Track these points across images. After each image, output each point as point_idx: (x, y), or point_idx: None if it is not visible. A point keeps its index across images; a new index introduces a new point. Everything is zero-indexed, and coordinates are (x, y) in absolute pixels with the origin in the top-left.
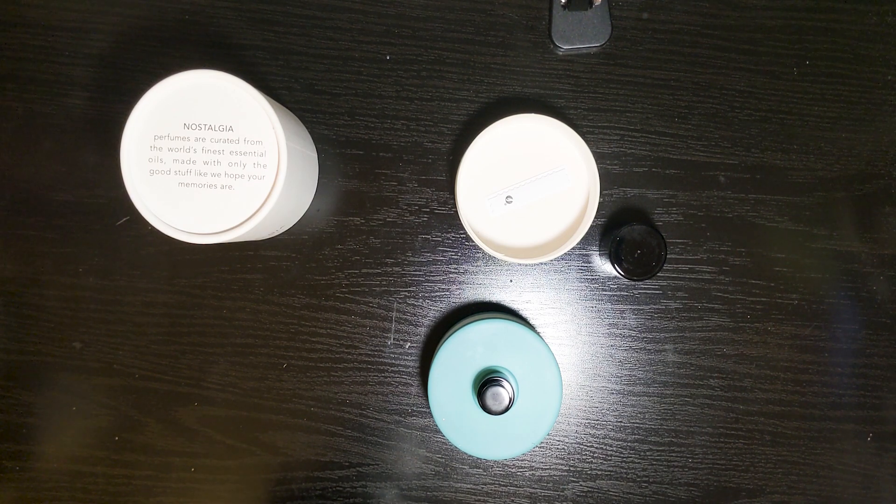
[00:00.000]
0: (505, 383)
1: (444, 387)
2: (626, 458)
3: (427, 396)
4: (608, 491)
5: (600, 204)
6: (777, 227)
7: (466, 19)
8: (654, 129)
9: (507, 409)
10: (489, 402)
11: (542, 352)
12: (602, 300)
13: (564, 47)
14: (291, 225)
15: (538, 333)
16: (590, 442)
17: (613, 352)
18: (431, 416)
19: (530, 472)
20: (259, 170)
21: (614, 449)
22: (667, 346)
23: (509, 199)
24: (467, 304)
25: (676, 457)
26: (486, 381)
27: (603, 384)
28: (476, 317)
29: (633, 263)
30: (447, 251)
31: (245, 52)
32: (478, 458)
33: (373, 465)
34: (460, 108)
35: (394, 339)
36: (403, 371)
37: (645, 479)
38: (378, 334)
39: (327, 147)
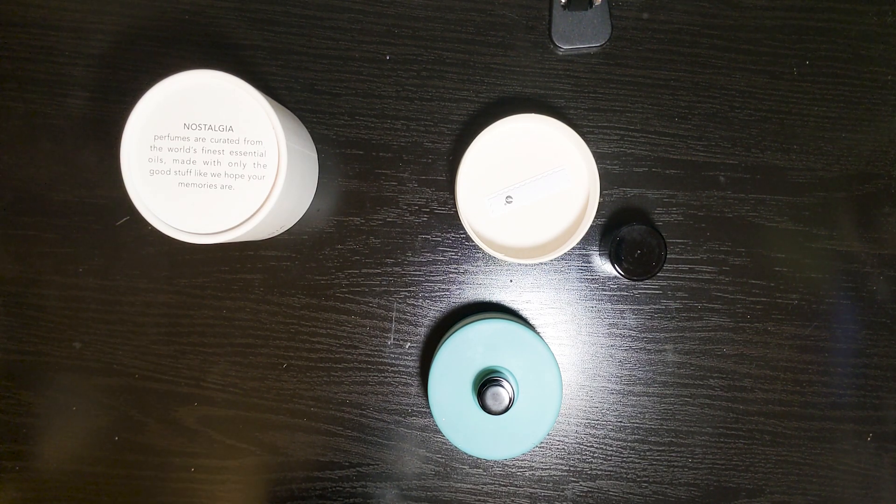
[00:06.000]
0: (505, 383)
1: (444, 387)
2: (626, 458)
3: (427, 396)
4: (608, 491)
5: (600, 204)
6: (777, 227)
7: (466, 19)
8: (654, 129)
9: (507, 409)
10: (489, 402)
11: (542, 352)
12: (602, 300)
13: (564, 47)
14: (291, 225)
15: (538, 333)
16: (590, 442)
17: (613, 352)
18: (431, 416)
19: (530, 472)
20: (259, 170)
21: (614, 449)
22: (667, 346)
23: (509, 199)
24: (467, 304)
25: (676, 457)
26: (485, 381)
27: (603, 384)
28: (476, 317)
29: (633, 263)
30: (447, 251)
31: (245, 52)
32: (478, 458)
33: (373, 465)
34: (460, 108)
35: (394, 339)
36: (403, 371)
37: (645, 479)
38: (378, 334)
39: (327, 147)
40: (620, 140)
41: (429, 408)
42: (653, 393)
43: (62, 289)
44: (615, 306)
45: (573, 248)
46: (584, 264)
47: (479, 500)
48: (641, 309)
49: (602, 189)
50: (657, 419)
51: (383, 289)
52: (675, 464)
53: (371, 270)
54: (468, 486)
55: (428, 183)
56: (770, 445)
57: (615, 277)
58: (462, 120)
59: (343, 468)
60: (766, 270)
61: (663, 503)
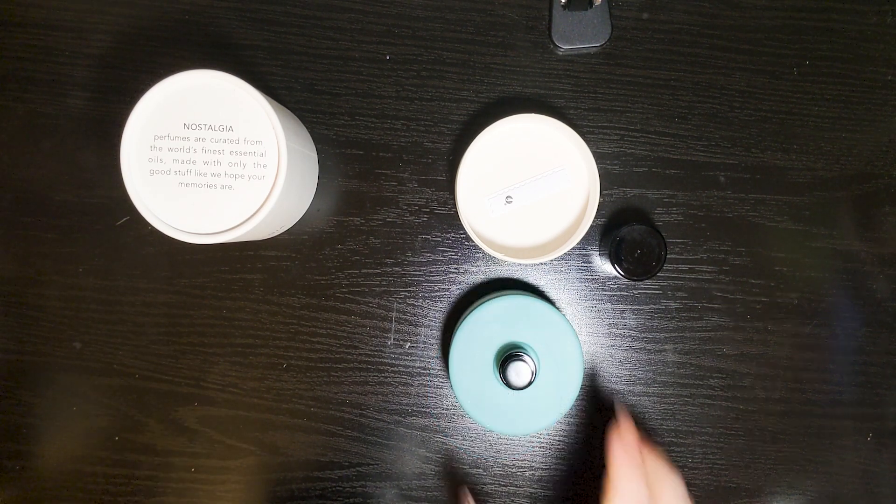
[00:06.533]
0: (526, 357)
1: (465, 367)
2: None
3: (448, 378)
4: None
5: (600, 204)
6: (777, 226)
7: (466, 19)
8: (654, 129)
9: (529, 383)
10: (512, 377)
11: (560, 323)
12: (602, 300)
13: (564, 47)
14: (291, 225)
15: (555, 306)
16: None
17: (613, 352)
18: (432, 416)
19: (530, 472)
20: (259, 170)
21: None
22: (667, 346)
23: (509, 199)
24: (485, 281)
25: (676, 457)
26: (507, 357)
27: (603, 384)
28: (491, 295)
29: (633, 263)
30: (447, 251)
31: (245, 52)
32: (500, 436)
33: (373, 465)
34: (460, 108)
35: (394, 339)
36: (403, 371)
37: None
38: (378, 334)
39: (327, 147)
40: (620, 140)
41: (431, 406)
42: (653, 393)
43: (62, 289)
44: (615, 306)
45: (573, 248)
46: (584, 264)
47: (479, 500)
48: (641, 309)
49: (602, 189)
50: (657, 419)
51: (383, 289)
52: (675, 464)
53: (371, 270)
54: (468, 487)
55: (428, 183)
56: (770, 443)
57: (615, 277)
58: (462, 120)
59: (343, 468)
60: (766, 270)
61: None
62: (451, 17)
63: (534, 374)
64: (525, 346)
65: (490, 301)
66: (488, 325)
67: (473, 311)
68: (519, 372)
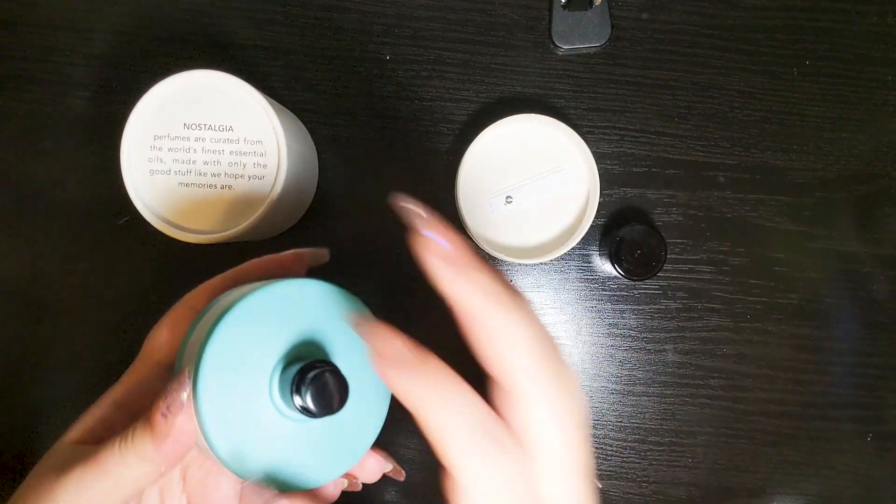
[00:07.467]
0: (333, 369)
1: (222, 390)
2: (626, 458)
3: (195, 395)
4: (608, 491)
5: (600, 204)
6: (777, 227)
7: (466, 19)
8: (654, 129)
9: (341, 404)
10: (315, 399)
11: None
12: (602, 300)
13: (564, 47)
14: (291, 225)
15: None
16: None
17: (613, 352)
18: None
19: None
20: (259, 170)
21: (614, 449)
22: (667, 346)
23: (509, 199)
24: None
25: (676, 457)
26: (304, 370)
27: (603, 384)
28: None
29: (633, 263)
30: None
31: (245, 52)
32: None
33: None
34: (460, 108)
35: None
36: None
37: (645, 479)
38: None
39: (327, 147)
40: (620, 140)
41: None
42: (653, 393)
43: (62, 289)
44: (615, 306)
45: (573, 248)
46: (584, 264)
47: None
48: (641, 309)
49: (602, 189)
50: (657, 419)
51: (384, 288)
52: (675, 464)
53: (371, 270)
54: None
55: (428, 183)
56: (770, 445)
57: (615, 277)
58: (462, 120)
59: None
60: (766, 270)
61: (663, 503)
62: (451, 18)
63: (346, 392)
64: (326, 351)
65: (261, 289)
66: (267, 322)
67: (238, 302)
68: (326, 390)
